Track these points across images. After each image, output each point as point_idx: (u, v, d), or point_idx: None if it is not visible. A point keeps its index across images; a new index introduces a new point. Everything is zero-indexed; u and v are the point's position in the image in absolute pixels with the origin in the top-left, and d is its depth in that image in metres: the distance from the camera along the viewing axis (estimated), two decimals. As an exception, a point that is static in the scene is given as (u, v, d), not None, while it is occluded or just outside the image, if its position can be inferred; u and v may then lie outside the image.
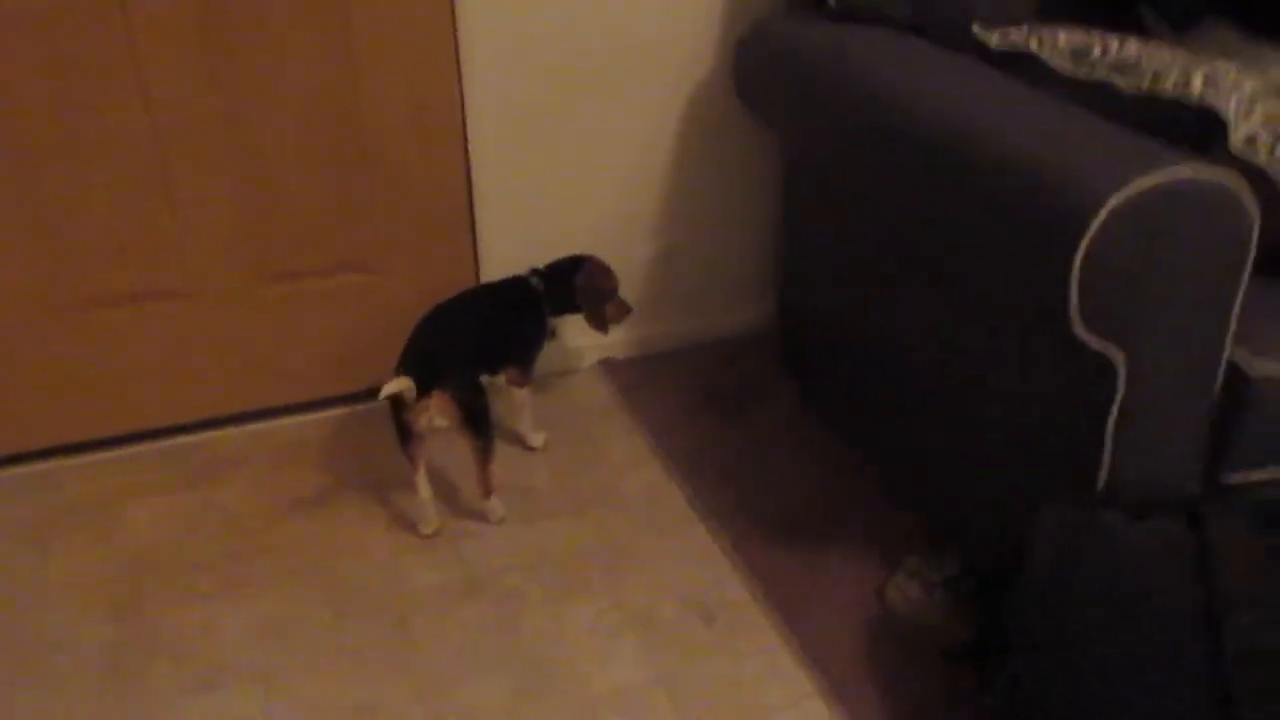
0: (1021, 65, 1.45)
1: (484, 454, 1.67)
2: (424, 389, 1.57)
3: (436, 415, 1.60)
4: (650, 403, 2.03)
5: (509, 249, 2.00)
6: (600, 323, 1.87)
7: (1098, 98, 1.31)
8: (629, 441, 1.93)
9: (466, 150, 1.90)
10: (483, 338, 1.75)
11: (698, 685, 1.43)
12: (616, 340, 2.16)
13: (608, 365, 2.15)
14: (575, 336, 2.12)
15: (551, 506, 1.76)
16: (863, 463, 1.84)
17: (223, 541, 1.69)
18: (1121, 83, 1.30)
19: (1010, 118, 1.30)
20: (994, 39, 1.50)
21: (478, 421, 1.64)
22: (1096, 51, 1.37)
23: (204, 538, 1.70)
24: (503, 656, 1.48)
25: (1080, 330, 1.16)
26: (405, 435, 1.63)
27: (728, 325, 2.24)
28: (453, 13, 1.79)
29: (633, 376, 2.11)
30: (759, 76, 1.80)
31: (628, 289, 2.13)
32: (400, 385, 1.55)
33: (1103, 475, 1.25)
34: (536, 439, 1.89)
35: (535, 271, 1.87)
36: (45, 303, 1.78)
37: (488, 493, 1.70)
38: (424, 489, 1.68)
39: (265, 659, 1.47)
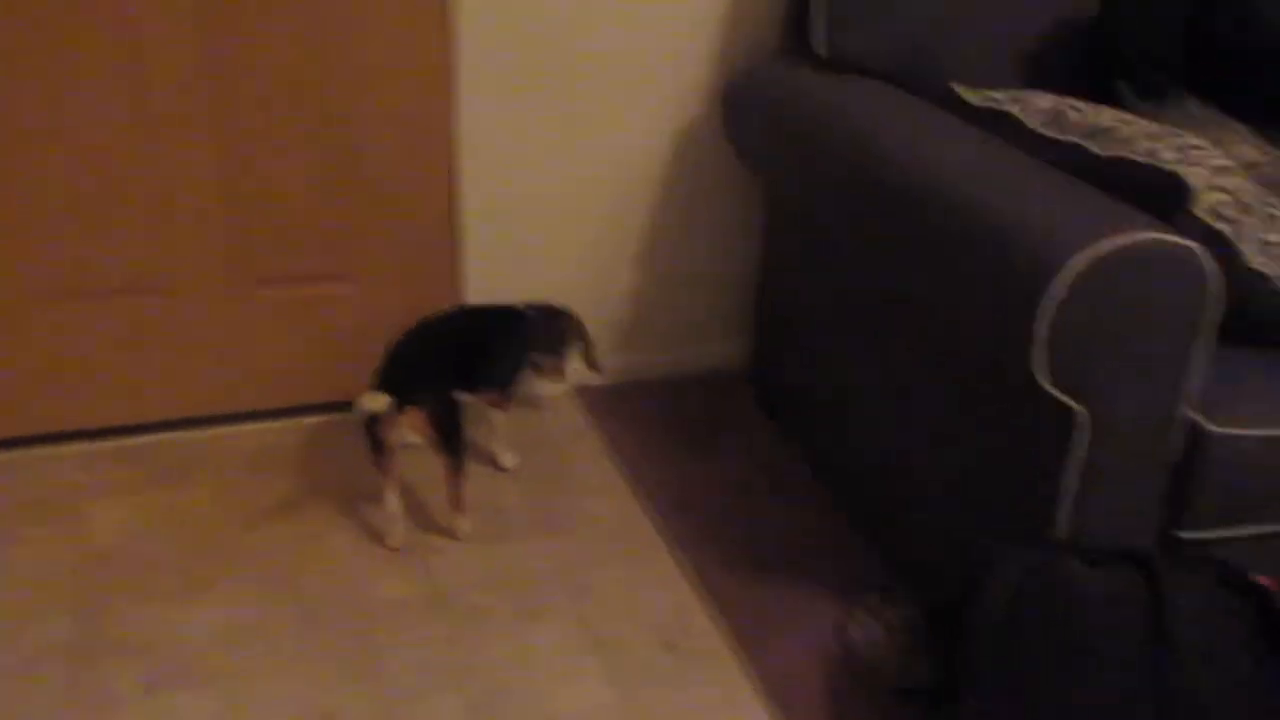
0: (1000, 124, 1.51)
1: (455, 472, 1.68)
2: (399, 403, 1.59)
3: (409, 430, 1.61)
4: (623, 431, 2.05)
5: (492, 270, 2.03)
6: (561, 372, 1.94)
7: (1070, 159, 1.36)
8: (600, 467, 1.95)
9: (455, 170, 1.94)
10: (463, 356, 1.76)
11: (657, 712, 1.44)
12: (593, 367, 2.19)
13: (583, 392, 2.18)
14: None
15: (520, 528, 1.78)
16: (832, 501, 1.87)
17: (188, 543, 1.69)
18: (1095, 147, 1.35)
19: (984, 173, 1.35)
20: (975, 98, 1.55)
21: (450, 439, 1.66)
22: (1072, 117, 1.43)
23: (169, 538, 1.70)
24: (463, 673, 1.49)
25: (1043, 383, 1.20)
26: (377, 448, 1.64)
27: (704, 359, 2.27)
28: (450, 35, 1.83)
29: (607, 404, 2.14)
30: (746, 119, 1.85)
31: (608, 318, 2.16)
32: (375, 403, 1.56)
33: (1060, 523, 1.29)
34: (509, 460, 1.91)
35: (530, 305, 1.90)
36: (25, 291, 1.78)
37: (457, 506, 1.71)
38: (393, 502, 1.69)
39: (226, 662, 1.47)
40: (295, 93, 1.79)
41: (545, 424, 2.07)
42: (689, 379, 2.25)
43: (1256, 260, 1.30)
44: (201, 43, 1.71)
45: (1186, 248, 1.16)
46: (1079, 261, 1.13)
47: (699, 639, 1.57)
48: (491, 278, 2.03)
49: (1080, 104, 1.47)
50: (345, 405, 1.97)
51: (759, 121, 1.80)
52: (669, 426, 2.08)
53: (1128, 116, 1.43)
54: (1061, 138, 1.42)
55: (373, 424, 1.62)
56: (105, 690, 1.42)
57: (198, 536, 1.71)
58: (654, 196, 2.09)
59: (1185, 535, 1.33)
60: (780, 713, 1.44)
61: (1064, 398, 1.20)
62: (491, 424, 1.89)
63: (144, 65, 1.69)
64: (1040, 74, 1.72)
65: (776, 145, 1.75)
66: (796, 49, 1.82)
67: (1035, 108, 1.48)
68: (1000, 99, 1.53)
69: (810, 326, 1.88)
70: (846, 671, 1.51)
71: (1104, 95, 1.58)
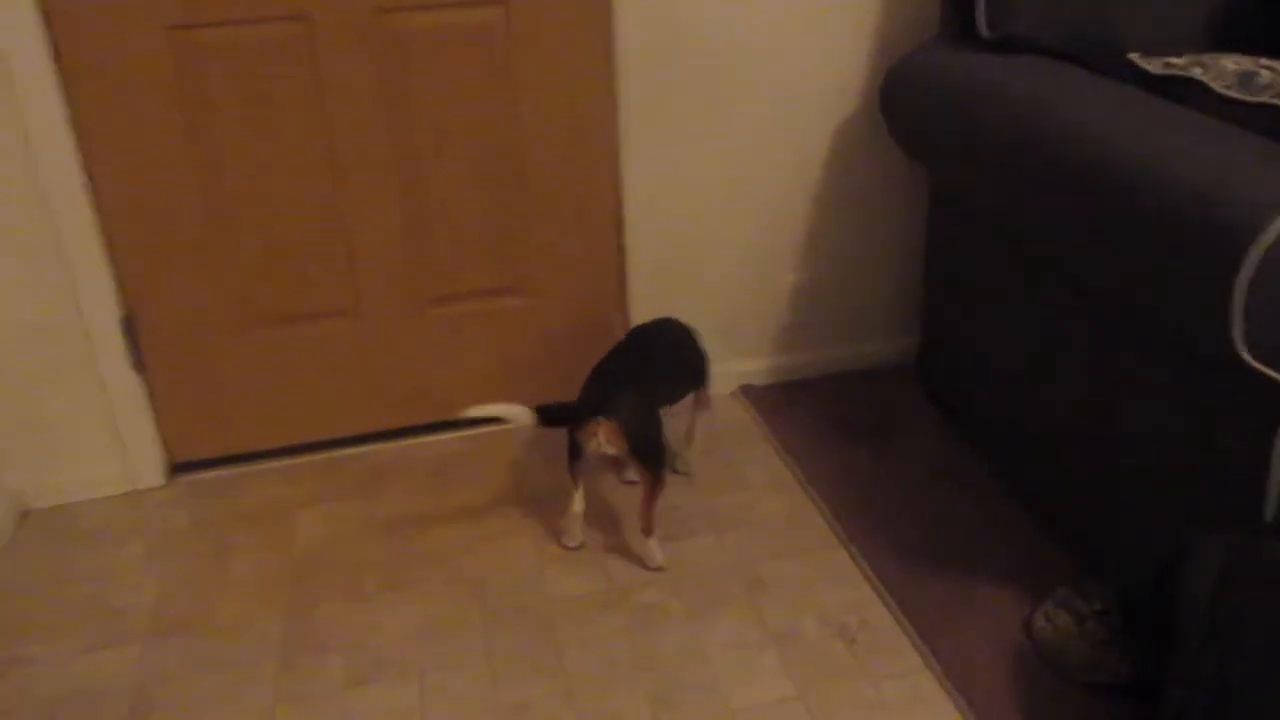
0: (1182, 91, 1.43)
1: (651, 487, 1.67)
2: (594, 413, 1.62)
3: (605, 441, 1.63)
4: (791, 428, 2.05)
5: (655, 276, 2.06)
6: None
7: (1263, 120, 1.28)
8: (769, 465, 1.96)
9: (618, 181, 1.98)
10: (663, 369, 1.77)
11: (838, 706, 1.43)
12: (757, 367, 2.19)
13: (748, 391, 2.19)
14: (716, 362, 2.16)
15: (693, 525, 1.80)
16: (1009, 493, 1.81)
17: (382, 548, 1.79)
18: (1290, 106, 1.27)
19: (1170, 141, 1.29)
20: (1154, 65, 1.48)
21: (646, 452, 1.65)
22: (1264, 77, 1.35)
23: (365, 544, 1.80)
24: (644, 667, 1.52)
25: (1243, 355, 1.13)
26: (575, 453, 1.67)
27: (869, 355, 2.24)
28: (610, 46, 1.88)
29: (773, 402, 2.14)
30: (909, 107, 1.82)
31: (772, 317, 2.16)
32: (503, 411, 1.60)
33: (1269, 506, 1.21)
34: (690, 465, 1.93)
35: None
36: (232, 321, 1.93)
37: (649, 530, 1.69)
38: (578, 504, 1.72)
39: (421, 657, 1.55)
40: (468, 118, 1.87)
41: (712, 424, 2.08)
42: (854, 375, 2.22)
43: None
44: (387, 73, 1.81)
45: (1401, 204, 1.07)
46: (1278, 225, 1.06)
47: (879, 633, 1.55)
48: (654, 284, 2.07)
49: (1272, 63, 1.38)
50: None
51: (923, 108, 1.77)
52: (836, 423, 2.06)
53: (1325, 72, 1.33)
54: (1251, 99, 1.33)
55: (574, 433, 1.65)
56: (314, 680, 1.52)
57: (390, 541, 1.81)
58: (815, 192, 2.08)
59: None
60: (967, 706, 1.41)
61: (1266, 370, 1.13)
62: (694, 428, 1.92)
63: (334, 98, 1.81)
64: (1225, 37, 1.62)
65: (941, 131, 1.71)
66: (958, 33, 1.77)
67: (1221, 70, 1.40)
68: (1182, 64, 1.45)
69: (981, 316, 1.82)
70: (1035, 665, 1.46)
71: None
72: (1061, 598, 1.48)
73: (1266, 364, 1.13)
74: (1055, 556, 1.66)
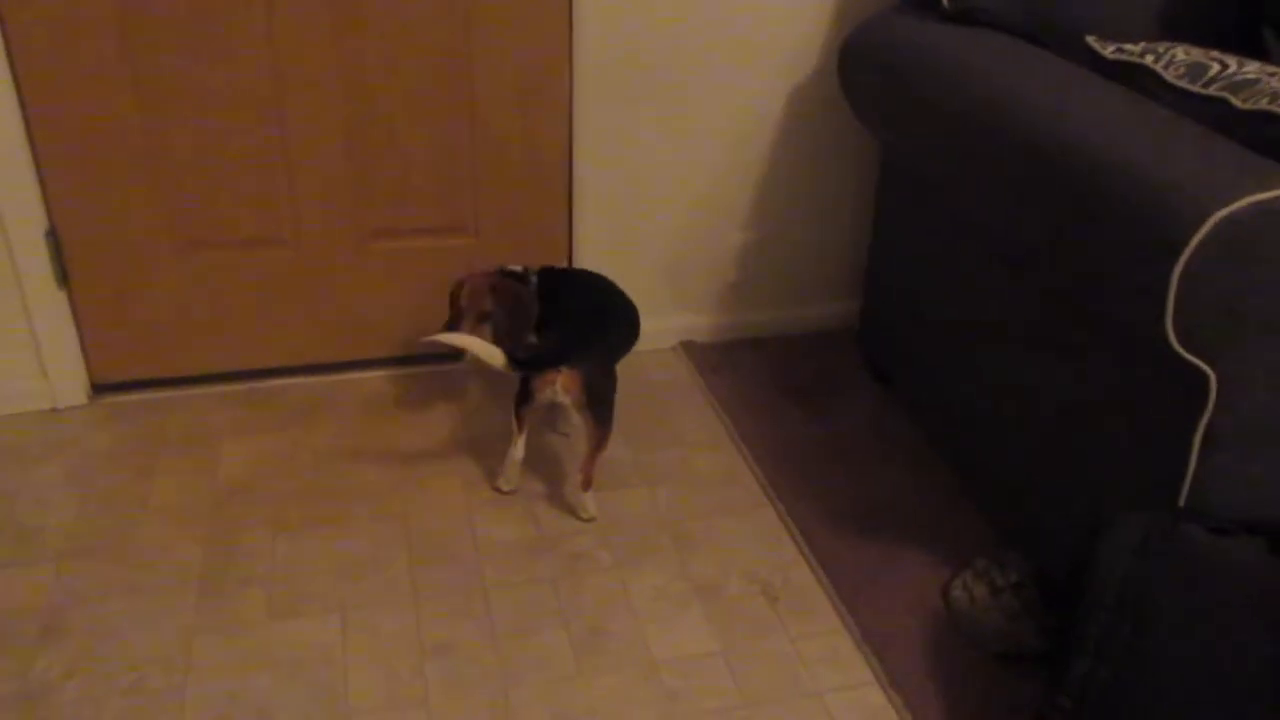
0: (1134, 77, 1.45)
1: (599, 441, 1.67)
2: (559, 361, 1.60)
3: (561, 390, 1.61)
4: (729, 386, 2.06)
5: (603, 224, 2.05)
6: None
7: (1211, 113, 1.30)
8: (705, 421, 1.97)
9: (570, 125, 1.95)
10: (616, 327, 1.76)
11: (757, 661, 1.46)
12: (699, 324, 2.20)
13: (689, 347, 2.19)
14: (658, 315, 2.16)
15: (625, 477, 1.81)
16: (939, 462, 1.85)
17: (309, 480, 1.77)
18: (1237, 100, 1.29)
19: (1119, 127, 1.30)
20: (1109, 50, 1.50)
21: (600, 406, 1.64)
22: (1214, 69, 1.37)
23: (292, 476, 1.78)
24: (569, 613, 1.53)
25: (1174, 343, 1.16)
26: (525, 399, 1.65)
27: (812, 318, 2.26)
28: (571, -11, 1.85)
29: (713, 360, 2.15)
30: (865, 75, 1.82)
31: (717, 274, 2.17)
32: (478, 346, 1.58)
33: (1185, 491, 1.25)
34: (571, 427, 1.91)
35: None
36: (164, 243, 1.87)
37: (588, 483, 1.69)
38: (520, 449, 1.71)
39: (345, 594, 1.54)
40: (419, 50, 1.82)
41: (651, 378, 2.09)
42: (796, 338, 2.24)
43: None
44: (330, 5, 1.76)
45: (1335, 205, 1.10)
46: (1218, 217, 1.09)
47: (802, 593, 1.58)
48: (601, 231, 2.05)
49: (1222, 56, 1.40)
50: (455, 356, 2.03)
51: (879, 77, 1.77)
52: (775, 383, 2.08)
53: (1274, 68, 1.35)
54: (1201, 91, 1.35)
55: (529, 379, 1.63)
56: (235, 610, 1.50)
57: (319, 475, 1.78)
58: (766, 154, 2.07)
59: (1317, 509, 1.28)
60: (882, 669, 1.44)
61: (1194, 359, 1.16)
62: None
63: (281, 18, 1.75)
64: (1181, 25, 1.64)
65: (897, 101, 1.71)
66: (919, 2, 1.77)
67: (1173, 60, 1.42)
68: (1135, 51, 1.47)
69: (922, 287, 1.85)
70: (950, 633, 1.50)
71: (1249, 47, 1.51)
72: (979, 568, 1.52)
73: (1195, 354, 1.16)
74: (978, 526, 1.70)
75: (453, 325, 1.74)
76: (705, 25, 1.92)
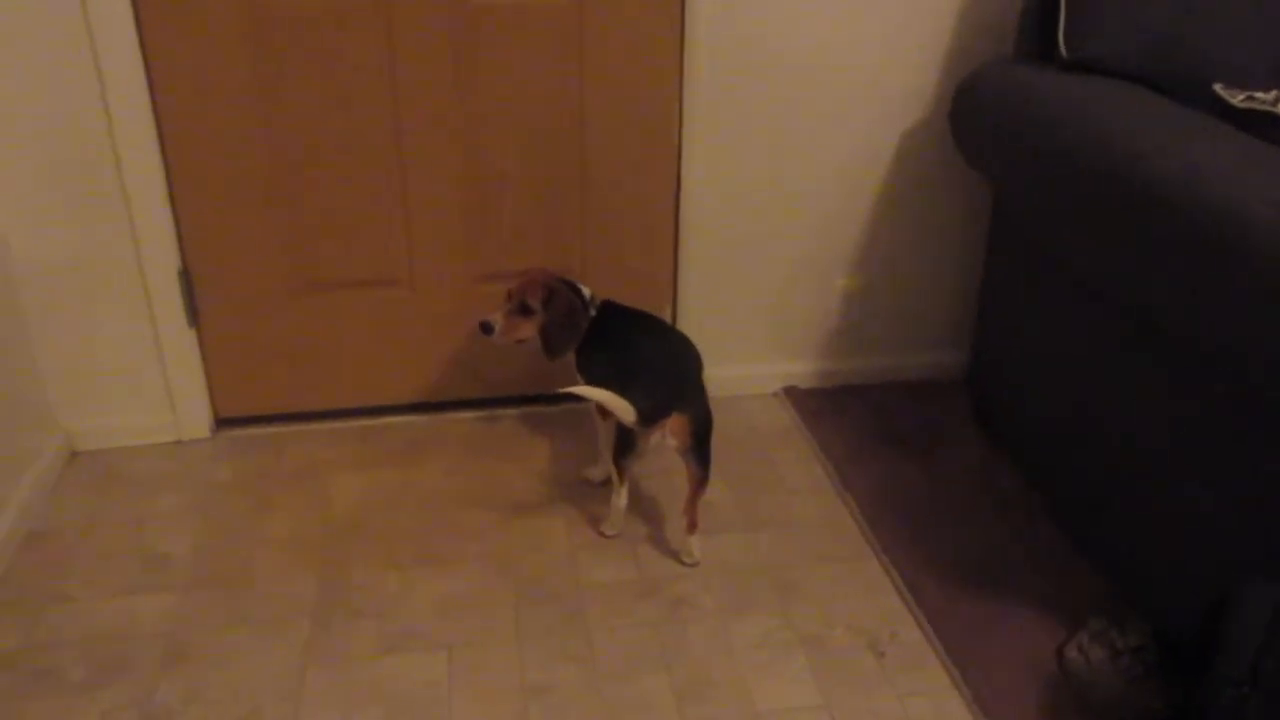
0: (1263, 125, 1.41)
1: (701, 482, 1.67)
2: (665, 409, 1.61)
3: (670, 435, 1.62)
4: (832, 433, 2.04)
5: (707, 269, 2.06)
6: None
7: (1350, 165, 1.26)
8: (807, 468, 1.95)
9: (679, 172, 1.98)
10: (699, 367, 1.76)
11: (862, 717, 1.43)
12: (802, 369, 2.19)
13: (791, 392, 2.18)
14: (761, 361, 2.16)
15: (727, 522, 1.80)
16: (1049, 516, 1.80)
17: (418, 518, 1.81)
18: (1378, 151, 1.25)
19: (1246, 177, 1.26)
20: (1238, 98, 1.46)
21: (704, 448, 1.65)
22: (1351, 118, 1.32)
23: (401, 513, 1.82)
24: (671, 659, 1.52)
25: (1311, 402, 1.12)
26: (628, 448, 1.65)
27: (917, 366, 2.23)
28: (681, 43, 1.87)
29: (816, 406, 2.13)
30: (979, 122, 1.80)
31: (822, 320, 2.16)
32: (609, 401, 1.57)
33: (1321, 556, 1.19)
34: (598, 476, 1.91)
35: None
36: (285, 283, 1.95)
37: (693, 526, 1.69)
38: (623, 499, 1.72)
39: (451, 632, 1.57)
40: (533, 104, 1.87)
41: (753, 423, 2.08)
42: (901, 386, 2.21)
43: None
44: (459, 52, 1.81)
45: None
46: (1360, 273, 1.04)
47: (908, 647, 1.55)
48: (705, 275, 2.07)
49: (1360, 104, 1.35)
50: (555, 399, 2.06)
51: (993, 124, 1.75)
52: (879, 431, 2.05)
53: None
54: (1337, 141, 1.31)
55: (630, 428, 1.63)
56: (344, 644, 1.54)
57: (426, 511, 1.82)
58: (874, 199, 2.06)
59: None
60: (993, 730, 1.40)
61: (1333, 420, 1.12)
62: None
63: (405, 72, 1.82)
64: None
65: (1011, 149, 1.69)
66: (1034, 50, 1.75)
67: (1306, 109, 1.38)
68: (1266, 99, 1.43)
69: (1033, 337, 1.81)
70: (1064, 696, 1.45)
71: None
72: (1097, 630, 1.47)
73: (1333, 413, 1.11)
74: (1091, 584, 1.65)
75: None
76: (814, 71, 1.93)
